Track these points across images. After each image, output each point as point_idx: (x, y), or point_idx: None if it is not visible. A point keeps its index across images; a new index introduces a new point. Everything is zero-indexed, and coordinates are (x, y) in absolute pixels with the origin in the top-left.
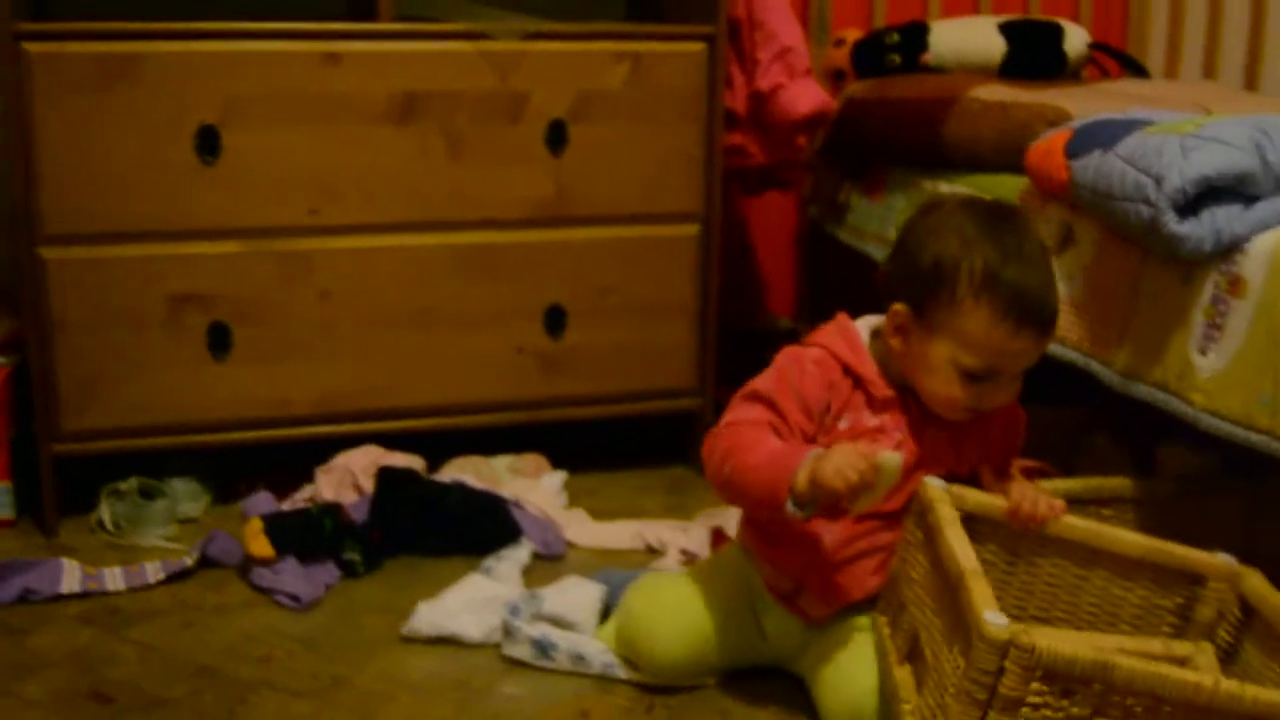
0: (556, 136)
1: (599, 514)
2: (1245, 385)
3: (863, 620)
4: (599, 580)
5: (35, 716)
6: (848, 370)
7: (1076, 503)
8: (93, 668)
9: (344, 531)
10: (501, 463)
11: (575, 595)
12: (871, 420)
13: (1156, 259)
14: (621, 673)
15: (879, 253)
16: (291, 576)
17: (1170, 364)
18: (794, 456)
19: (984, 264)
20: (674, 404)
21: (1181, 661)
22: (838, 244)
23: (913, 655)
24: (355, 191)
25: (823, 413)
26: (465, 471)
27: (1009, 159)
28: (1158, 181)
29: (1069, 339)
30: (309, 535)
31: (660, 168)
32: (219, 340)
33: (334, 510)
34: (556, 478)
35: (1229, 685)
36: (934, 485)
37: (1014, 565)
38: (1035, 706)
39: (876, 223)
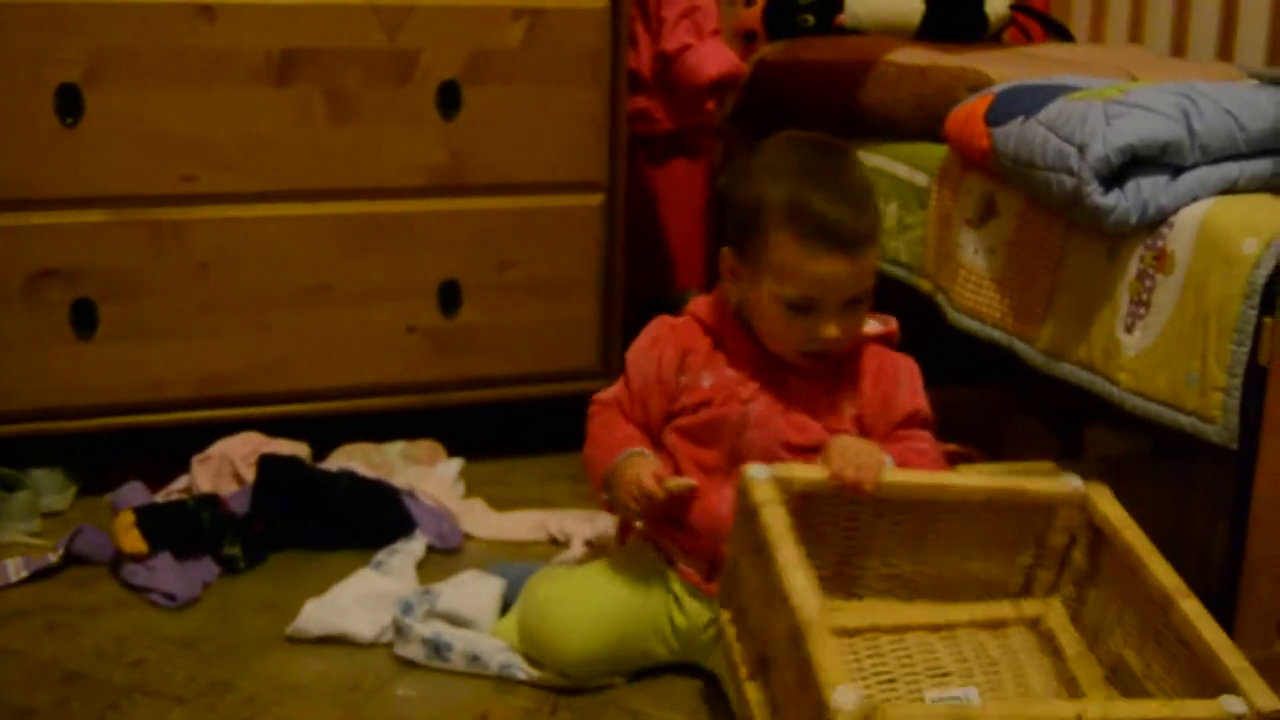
0: (449, 99)
1: (499, 504)
2: (1172, 364)
3: None
4: (497, 574)
5: None
6: (708, 330)
7: None
8: None
9: (223, 524)
10: (394, 449)
11: (472, 591)
12: (731, 374)
13: (1081, 232)
14: (521, 672)
15: None
16: (167, 573)
17: (1095, 342)
18: (611, 455)
19: (788, 194)
20: (578, 385)
21: (1034, 622)
22: None
23: (763, 668)
24: (233, 157)
25: (676, 373)
26: (354, 459)
27: (928, 126)
28: (1081, 150)
29: (990, 316)
30: (185, 529)
31: (561, 133)
32: (84, 318)
33: (212, 502)
34: (453, 465)
35: (1093, 713)
36: (757, 480)
37: (854, 532)
38: None
39: None
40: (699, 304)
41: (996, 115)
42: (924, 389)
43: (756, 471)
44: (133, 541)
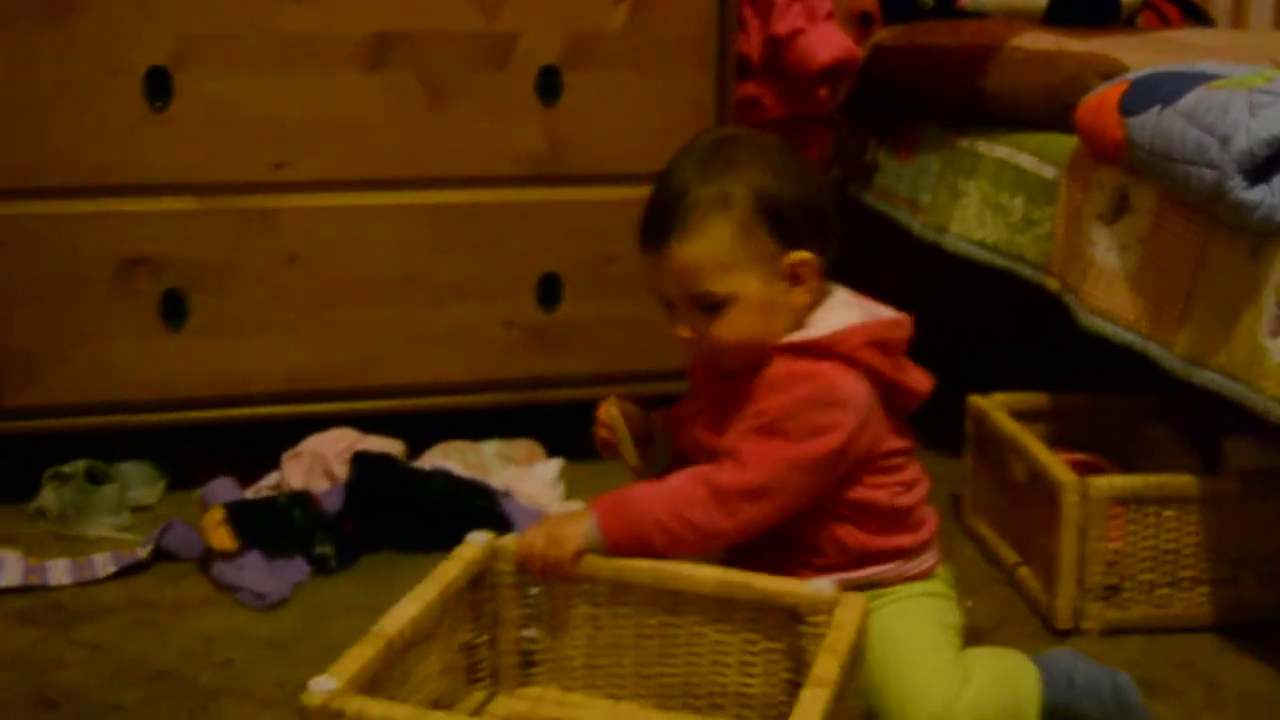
0: (549, 84)
1: None
2: None
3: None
4: None
5: None
6: None
7: (1134, 502)
8: (36, 671)
9: (315, 523)
10: (490, 449)
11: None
12: (697, 377)
13: (1222, 229)
14: None
15: (910, 219)
16: (256, 572)
17: (1237, 347)
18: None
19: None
20: (681, 385)
21: None
22: (864, 209)
23: None
24: (324, 143)
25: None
26: (449, 458)
27: (1056, 115)
28: (1223, 142)
29: (1124, 318)
30: (276, 526)
31: (665, 121)
32: (173, 308)
33: (304, 499)
34: (551, 466)
35: None
36: (471, 547)
37: (599, 620)
38: None
39: (907, 185)
40: None
41: (1131, 104)
42: (792, 394)
43: (474, 538)
44: (222, 538)
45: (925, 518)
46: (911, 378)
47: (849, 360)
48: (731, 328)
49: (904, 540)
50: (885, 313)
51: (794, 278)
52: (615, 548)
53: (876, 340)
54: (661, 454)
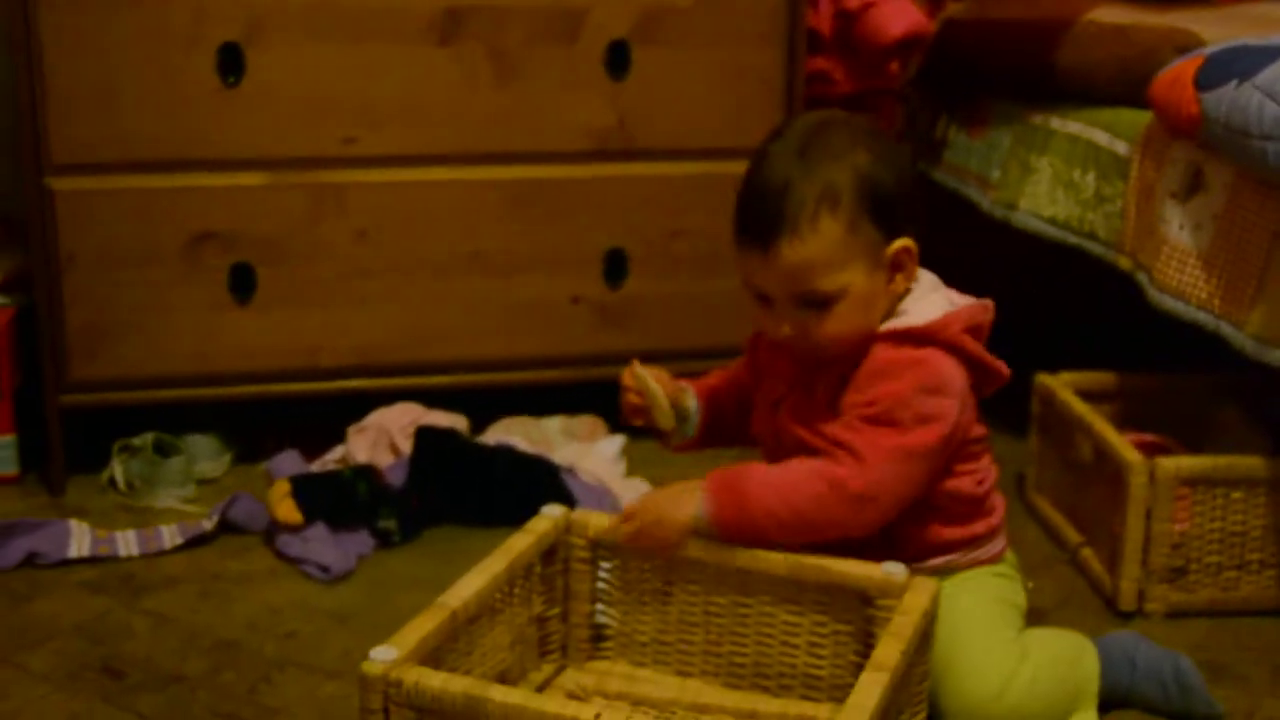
0: (618, 59)
1: (662, 484)
2: None
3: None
4: None
5: (41, 690)
6: None
7: (1202, 483)
8: (103, 639)
9: (379, 497)
10: (554, 425)
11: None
12: (778, 372)
13: None
14: None
15: (980, 195)
16: (321, 545)
17: None
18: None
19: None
20: None
21: None
22: (933, 185)
23: None
24: (394, 118)
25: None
26: (513, 433)
27: (1130, 90)
28: None
29: (1196, 297)
30: (341, 500)
31: (735, 96)
32: (242, 282)
33: (368, 473)
34: (614, 442)
35: (611, 718)
36: (544, 520)
37: (669, 596)
38: None
39: (978, 161)
40: None
41: (1207, 79)
42: (907, 383)
43: (549, 511)
44: (287, 511)
45: (997, 504)
46: (994, 362)
47: (950, 346)
48: (838, 323)
49: (979, 528)
50: (964, 298)
51: (896, 266)
52: (725, 532)
53: (972, 326)
54: (694, 420)
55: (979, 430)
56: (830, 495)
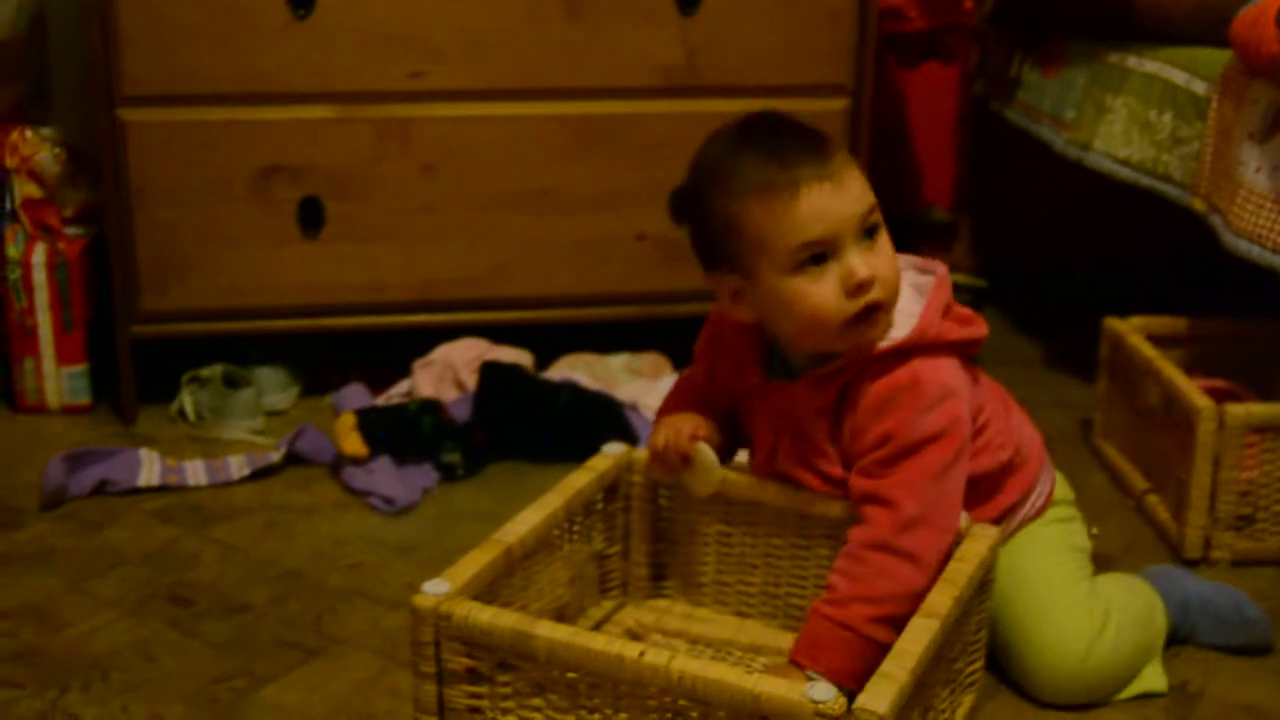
0: None
1: None
2: None
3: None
4: None
5: (109, 616)
6: (739, 346)
7: (1273, 430)
8: (171, 567)
9: (444, 431)
10: (618, 362)
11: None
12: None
13: None
14: None
15: (1054, 135)
16: (386, 478)
17: None
18: (661, 416)
19: (732, 173)
20: None
21: None
22: (1006, 125)
23: None
24: (461, 53)
25: (737, 367)
26: (577, 370)
27: (1210, 29)
28: None
29: (1272, 241)
30: (406, 434)
31: (805, 32)
32: (311, 216)
33: (433, 408)
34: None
35: (653, 657)
36: (605, 458)
37: (730, 537)
38: (483, 679)
39: (1052, 101)
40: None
41: None
42: (929, 406)
43: (610, 448)
44: (353, 444)
45: (1029, 456)
46: (974, 329)
47: (935, 347)
48: (890, 253)
49: (1012, 495)
50: (920, 269)
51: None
52: (857, 675)
53: (946, 306)
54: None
55: (982, 397)
56: (885, 559)
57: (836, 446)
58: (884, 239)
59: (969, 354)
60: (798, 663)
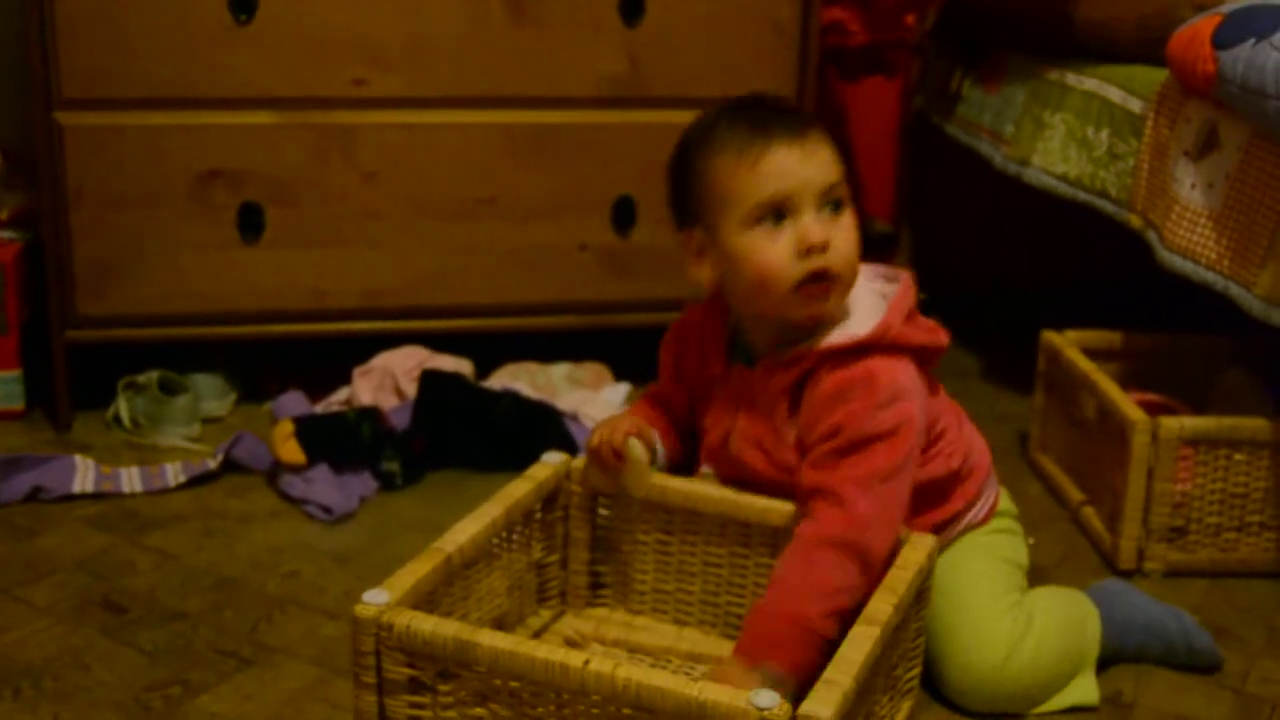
0: (632, 4)
1: None
2: None
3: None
4: None
5: (42, 623)
6: (700, 336)
7: (1205, 444)
8: (106, 575)
9: (383, 439)
10: (558, 371)
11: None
12: (715, 404)
13: None
14: None
15: (993, 150)
16: (324, 486)
17: None
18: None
19: (711, 131)
20: None
21: None
22: (946, 139)
23: None
24: (405, 60)
25: (699, 368)
26: (518, 379)
27: (1148, 48)
28: None
29: (1205, 257)
30: (344, 441)
31: (748, 44)
32: (250, 221)
33: (372, 415)
34: (619, 390)
35: (598, 665)
36: (544, 466)
37: (669, 546)
38: (424, 689)
39: (991, 116)
40: (712, 299)
41: (1225, 37)
42: (863, 401)
43: (549, 457)
44: (291, 451)
45: (976, 465)
46: (936, 337)
47: (895, 348)
48: (851, 234)
49: (958, 503)
50: (884, 278)
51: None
52: (804, 668)
53: (908, 311)
54: (657, 467)
55: (939, 407)
56: (835, 555)
57: (793, 430)
58: (848, 217)
59: (929, 362)
60: (747, 658)
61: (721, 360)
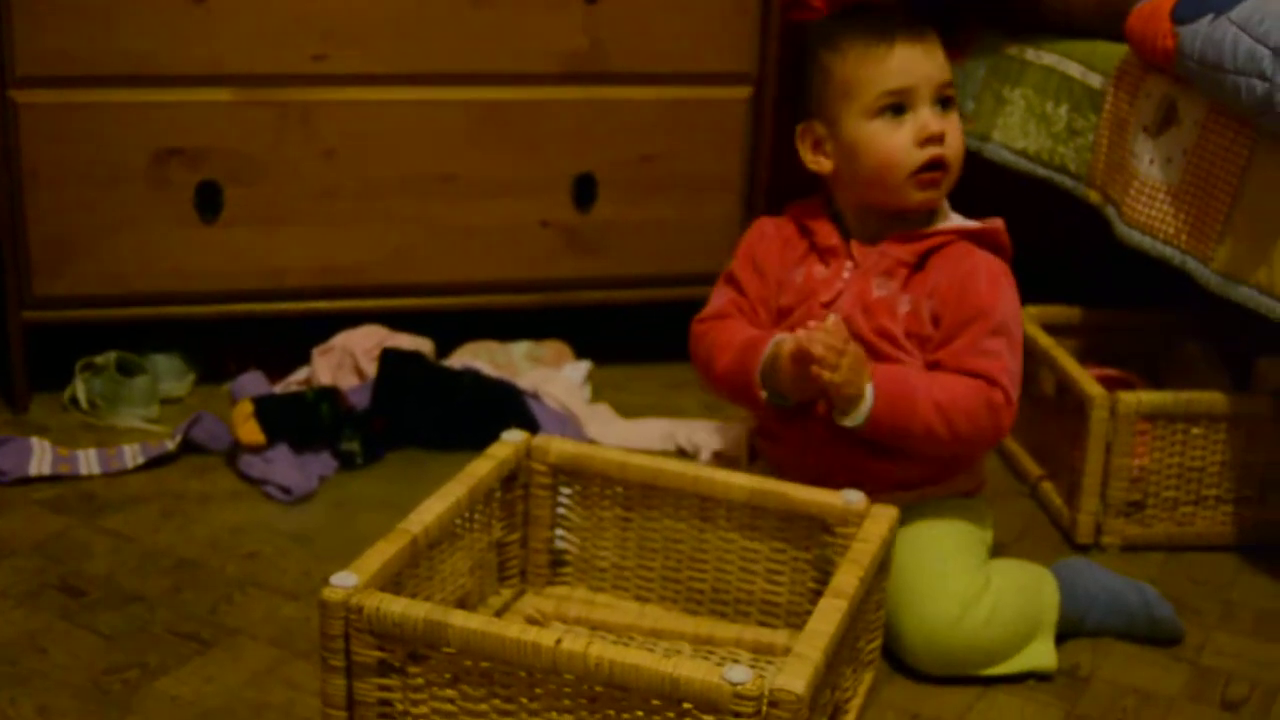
0: None
1: (626, 410)
2: None
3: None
4: None
5: None
6: (803, 228)
7: (1163, 418)
8: (63, 558)
9: (342, 419)
10: (519, 349)
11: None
12: (821, 272)
13: (1269, 143)
14: None
15: None
16: (283, 466)
17: (1277, 264)
18: (759, 347)
19: (840, 26)
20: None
21: (769, 650)
22: None
23: None
24: (365, 35)
25: (779, 274)
26: (478, 357)
27: (1109, 23)
28: (1276, 53)
29: (1163, 232)
30: (304, 421)
31: (709, 19)
32: (208, 200)
33: (332, 395)
34: (580, 368)
35: (570, 644)
36: (505, 445)
37: (630, 522)
38: (393, 671)
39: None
40: (798, 203)
41: (1184, 12)
42: (1009, 294)
43: (510, 436)
44: (250, 432)
45: None
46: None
47: (1004, 253)
48: (959, 131)
49: (954, 464)
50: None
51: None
52: (875, 426)
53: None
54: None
55: None
56: (986, 419)
57: (906, 302)
58: (955, 117)
59: None
60: (877, 382)
61: (835, 233)
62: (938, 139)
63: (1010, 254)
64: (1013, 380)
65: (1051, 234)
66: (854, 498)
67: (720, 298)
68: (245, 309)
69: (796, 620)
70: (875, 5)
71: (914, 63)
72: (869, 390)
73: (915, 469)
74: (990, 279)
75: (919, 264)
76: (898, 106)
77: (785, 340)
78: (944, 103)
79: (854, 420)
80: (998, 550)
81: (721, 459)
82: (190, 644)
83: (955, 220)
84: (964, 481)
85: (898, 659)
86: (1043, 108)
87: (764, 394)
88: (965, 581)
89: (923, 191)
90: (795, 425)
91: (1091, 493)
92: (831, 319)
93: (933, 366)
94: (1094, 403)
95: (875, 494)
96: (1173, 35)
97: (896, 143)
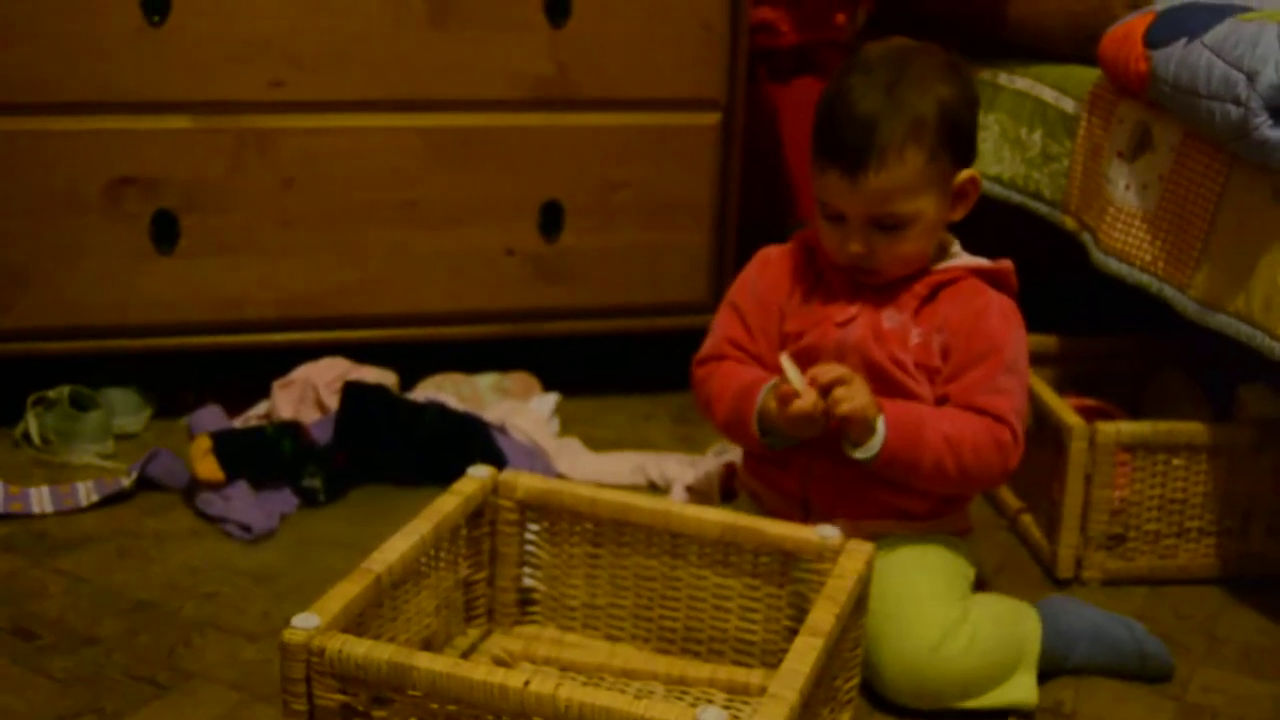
0: (558, 4)
1: (595, 444)
2: None
3: (906, 552)
4: None
5: None
6: (811, 257)
7: (1143, 449)
8: (14, 600)
9: (304, 454)
10: (485, 381)
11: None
12: (833, 295)
13: (1245, 169)
14: None
15: None
16: (243, 503)
17: (1255, 292)
18: (753, 395)
19: (826, 97)
20: (686, 320)
21: (744, 690)
22: None
23: None
24: (324, 61)
25: (786, 297)
26: (444, 390)
27: (1080, 47)
28: (1250, 77)
29: (1139, 258)
30: (264, 457)
31: (677, 45)
32: (164, 230)
33: (293, 430)
34: (548, 400)
35: (540, 686)
36: (471, 481)
37: (599, 560)
38: (357, 715)
39: None
40: (804, 233)
41: (1157, 36)
42: (1020, 333)
43: (476, 472)
44: (209, 468)
45: None
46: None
47: (1012, 292)
48: (905, 245)
49: (945, 502)
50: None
51: (960, 194)
52: (883, 462)
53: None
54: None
55: None
56: (994, 456)
57: (917, 331)
58: (910, 232)
59: None
60: (887, 416)
61: (845, 283)
62: (857, 258)
63: (1016, 295)
64: (1020, 419)
65: (1028, 261)
66: (829, 533)
67: (718, 331)
68: (203, 341)
69: (772, 659)
70: (889, 68)
71: (843, 194)
72: (881, 423)
73: (917, 503)
74: (1002, 317)
75: (930, 296)
76: (834, 217)
77: (769, 390)
78: (884, 225)
79: (867, 452)
80: (978, 585)
81: (693, 493)
82: (147, 688)
83: (965, 258)
84: (955, 521)
85: (877, 696)
86: (1017, 133)
87: (766, 440)
88: (944, 611)
89: (864, 278)
90: (797, 461)
91: (1071, 526)
92: (783, 357)
93: (940, 401)
94: (1072, 433)
95: (875, 529)
96: (1146, 59)
97: (828, 239)
